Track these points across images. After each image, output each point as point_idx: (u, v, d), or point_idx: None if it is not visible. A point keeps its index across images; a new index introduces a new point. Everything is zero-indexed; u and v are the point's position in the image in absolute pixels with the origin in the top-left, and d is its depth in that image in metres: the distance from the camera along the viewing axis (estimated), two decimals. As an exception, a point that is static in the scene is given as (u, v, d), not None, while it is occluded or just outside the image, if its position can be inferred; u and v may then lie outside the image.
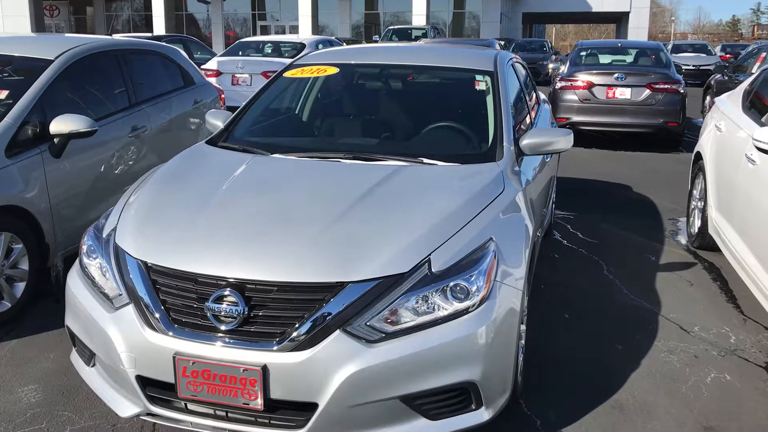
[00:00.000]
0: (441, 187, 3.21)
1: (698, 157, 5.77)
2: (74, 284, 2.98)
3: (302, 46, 11.90)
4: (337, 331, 2.50)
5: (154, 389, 2.70)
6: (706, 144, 5.54)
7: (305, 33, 31.54)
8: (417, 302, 2.58)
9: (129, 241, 2.85)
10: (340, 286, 2.55)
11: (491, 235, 2.87)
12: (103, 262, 2.89)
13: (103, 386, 2.88)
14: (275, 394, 2.51)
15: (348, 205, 2.95)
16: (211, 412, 2.65)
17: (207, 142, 3.91)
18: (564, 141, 3.73)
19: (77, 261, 3.11)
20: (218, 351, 2.54)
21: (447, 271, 2.66)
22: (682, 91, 10.08)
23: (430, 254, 2.68)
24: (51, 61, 4.64)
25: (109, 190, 4.90)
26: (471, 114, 3.97)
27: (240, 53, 12.08)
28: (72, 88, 4.73)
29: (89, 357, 2.94)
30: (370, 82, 4.32)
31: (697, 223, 5.64)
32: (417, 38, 24.87)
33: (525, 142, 3.70)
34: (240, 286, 2.58)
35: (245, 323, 2.55)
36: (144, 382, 2.69)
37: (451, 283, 2.63)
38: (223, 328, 2.56)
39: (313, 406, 2.53)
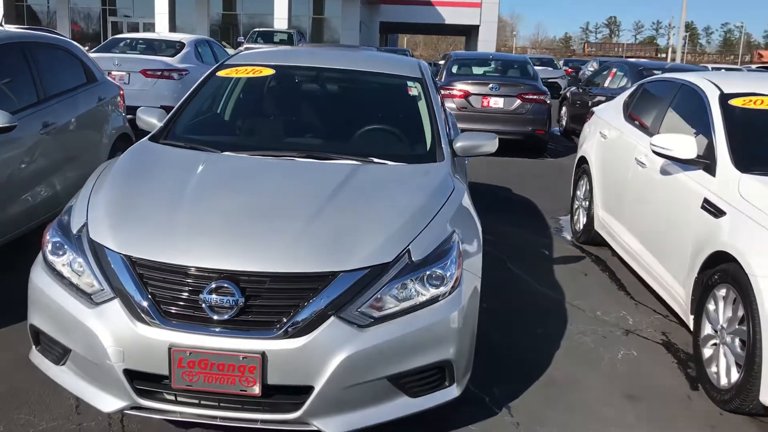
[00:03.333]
0: (401, 184, 3.44)
1: (582, 161, 6.38)
2: (41, 281, 2.92)
3: (181, 45, 11.66)
4: (332, 318, 2.67)
5: (142, 382, 2.72)
6: (590, 150, 6.15)
7: (162, 31, 30.51)
8: (399, 289, 2.80)
9: (107, 236, 2.85)
10: (332, 275, 2.72)
11: (454, 228, 3.14)
12: (77, 257, 2.86)
13: (79, 383, 2.85)
14: (272, 379, 2.63)
15: (322, 201, 3.11)
16: (203, 401, 2.71)
17: (150, 139, 3.90)
18: (490, 144, 4.09)
19: (39, 258, 3.04)
20: (215, 341, 2.62)
21: (424, 260, 2.89)
22: (548, 101, 10.95)
23: (408, 245, 2.91)
24: (-41, 52, 4.39)
25: (23, 188, 4.69)
26: (407, 117, 4.23)
27: (114, 50, 11.63)
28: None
29: (60, 355, 2.89)
30: (307, 85, 4.47)
31: (582, 220, 6.24)
32: (282, 41, 24.92)
33: (458, 144, 4.01)
34: (233, 278, 2.67)
35: (241, 313, 2.65)
36: (131, 375, 2.71)
37: (428, 271, 2.87)
38: (218, 318, 2.64)
39: (307, 389, 2.67)
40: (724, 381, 3.51)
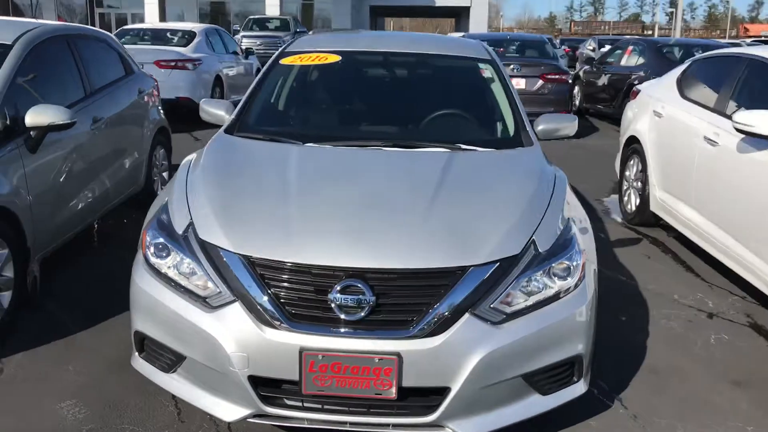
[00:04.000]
0: (502, 171, 3.31)
1: (632, 141, 6.25)
2: (147, 286, 2.76)
3: (192, 34, 11.40)
4: (467, 315, 2.53)
5: (266, 389, 2.59)
6: (642, 129, 6.02)
7: (153, 21, 30.08)
8: (528, 283, 2.67)
9: (220, 236, 2.69)
10: (463, 270, 2.58)
11: (569, 216, 3.01)
12: (185, 259, 2.71)
13: (194, 392, 2.71)
14: (408, 381, 2.50)
15: (432, 192, 2.97)
16: (329, 406, 2.58)
17: (226, 132, 3.73)
18: (571, 127, 3.95)
19: (140, 260, 2.88)
20: (349, 342, 2.49)
21: (550, 251, 2.76)
22: (569, 81, 10.80)
23: (532, 235, 2.77)
24: (11, 46, 4.19)
25: (79, 186, 4.52)
26: (484, 101, 4.09)
27: (122, 42, 11.35)
28: (37, 75, 4.30)
29: (172, 363, 2.75)
30: (376, 70, 4.31)
31: (635, 201, 6.13)
32: (277, 28, 24.64)
33: (540, 127, 3.87)
34: (361, 276, 2.53)
35: (372, 312, 2.51)
36: (255, 382, 2.57)
37: (555, 263, 2.74)
38: (349, 318, 2.50)
39: (442, 391, 2.54)
40: (835, 364, 3.41)
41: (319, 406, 2.60)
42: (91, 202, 4.72)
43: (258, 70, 13.98)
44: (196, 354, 2.63)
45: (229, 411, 2.63)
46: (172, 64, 10.40)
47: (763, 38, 40.42)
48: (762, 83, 4.67)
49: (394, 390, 2.49)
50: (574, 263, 2.78)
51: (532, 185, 3.14)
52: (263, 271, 2.58)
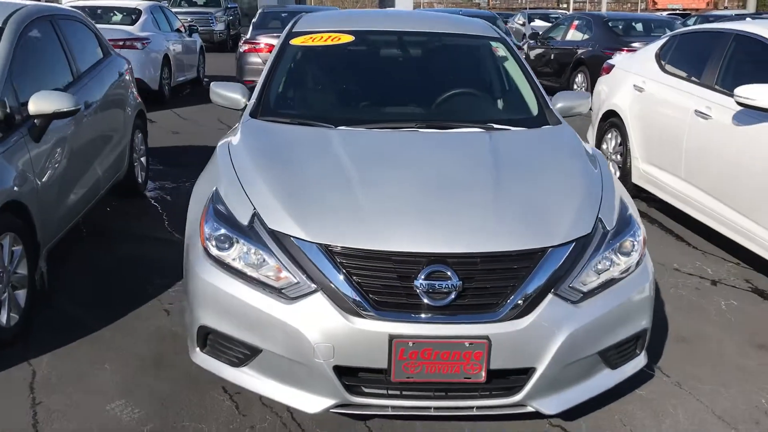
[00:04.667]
0: (549, 150, 3.34)
1: (610, 114, 6.40)
2: (213, 279, 2.66)
3: (138, 12, 10.92)
4: (550, 295, 2.56)
5: (350, 378, 2.55)
6: (622, 103, 6.16)
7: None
8: (600, 261, 2.71)
9: (292, 226, 2.62)
10: (542, 251, 2.60)
11: (620, 194, 3.07)
12: (252, 249, 2.63)
13: (270, 385, 2.65)
14: (495, 364, 2.51)
15: (491, 173, 2.98)
16: (415, 392, 2.57)
17: (251, 116, 3.62)
18: (586, 104, 4.01)
19: (199, 253, 2.76)
20: (438, 328, 2.48)
21: (615, 229, 2.81)
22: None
23: (598, 214, 2.82)
24: (1, 28, 3.92)
25: (76, 175, 4.31)
26: (503, 79, 4.10)
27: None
28: (29, 59, 4.05)
29: (244, 357, 2.67)
30: (390, 50, 4.24)
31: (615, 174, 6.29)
32: (206, 3, 23.91)
33: (559, 105, 3.91)
34: (443, 261, 2.52)
35: (458, 297, 2.50)
36: (340, 372, 2.53)
37: (622, 240, 2.79)
38: (436, 304, 2.49)
39: (526, 371, 2.57)
40: None
41: (399, 392, 2.59)
42: (86, 191, 4.51)
43: (202, 48, 13.60)
44: (274, 346, 2.57)
45: (311, 402, 2.58)
46: (120, 43, 9.92)
47: (670, 11, 41.96)
48: (749, 58, 4.85)
49: (483, 373, 2.50)
50: (638, 240, 2.84)
51: (581, 164, 3.18)
52: (342, 259, 2.53)
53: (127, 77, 5.74)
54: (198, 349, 2.82)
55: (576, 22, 12.60)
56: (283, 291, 2.56)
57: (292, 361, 2.55)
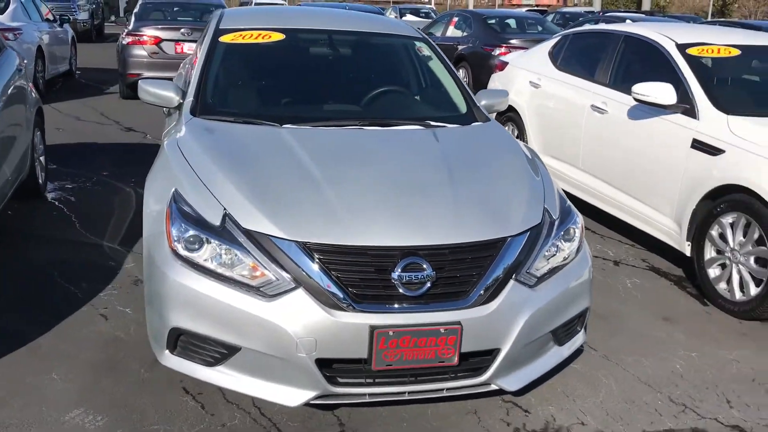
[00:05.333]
0: (489, 146, 3.56)
1: (507, 110, 6.76)
2: (186, 280, 2.67)
3: (6, 0, 10.21)
4: (512, 281, 2.77)
5: (330, 370, 2.65)
6: (519, 98, 6.54)
7: None
8: (548, 248, 2.96)
9: (267, 225, 2.67)
10: (503, 241, 2.81)
11: (556, 186, 3.34)
12: (230, 250, 2.66)
13: (248, 382, 2.70)
14: (466, 347, 2.70)
15: (444, 168, 3.15)
16: (392, 378, 2.71)
17: (191, 114, 3.59)
18: (505, 101, 4.30)
19: (167, 256, 2.74)
20: (415, 317, 2.62)
21: (560, 218, 3.07)
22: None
23: (544, 204, 3.06)
24: None
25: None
26: (432, 78, 4.28)
27: None
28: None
29: (221, 356, 2.70)
30: (320, 48, 4.30)
31: (513, 165, 6.68)
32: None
33: (484, 102, 4.16)
34: (415, 253, 2.67)
35: (432, 287, 2.66)
36: (321, 364, 2.62)
37: (566, 227, 3.06)
38: (412, 294, 2.63)
39: (492, 353, 2.77)
40: (739, 295, 4.12)
41: (373, 380, 2.71)
42: (-4, 194, 4.27)
43: (74, 39, 12.91)
44: (255, 344, 2.62)
45: (291, 396, 2.66)
46: (-10, 33, 9.29)
47: (526, 7, 44.22)
48: (638, 57, 5.33)
49: (456, 357, 2.68)
50: (578, 227, 3.12)
51: (521, 158, 3.42)
52: (321, 256, 2.62)
53: (23, 72, 5.43)
54: (167, 351, 2.81)
55: (455, 19, 13.08)
56: (261, 289, 2.62)
57: (272, 356, 2.61)
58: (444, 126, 3.73)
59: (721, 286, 4.25)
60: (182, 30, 10.22)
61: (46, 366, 3.23)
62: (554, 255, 2.98)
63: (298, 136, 3.37)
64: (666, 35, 5.12)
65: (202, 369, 2.75)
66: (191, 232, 2.72)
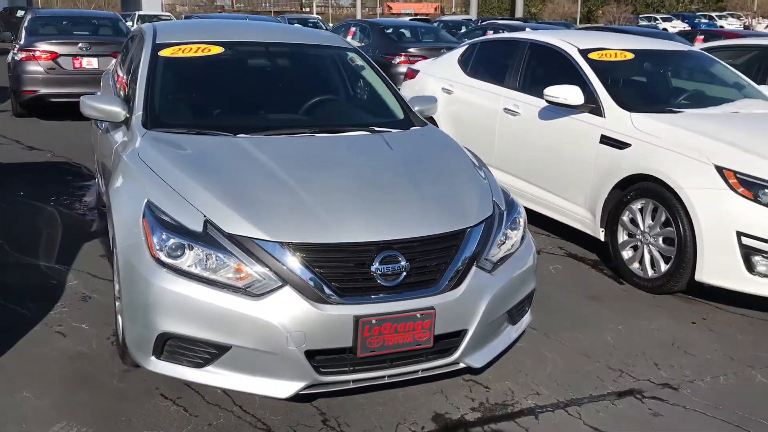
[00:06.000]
0: (434, 148, 3.84)
1: (421, 115, 7.12)
2: (171, 285, 2.78)
3: None
4: (474, 267, 3.06)
5: (318, 360, 2.83)
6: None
7: None
8: (500, 236, 3.27)
9: (251, 228, 2.83)
10: (464, 232, 3.09)
11: (496, 181, 3.67)
12: (214, 254, 2.80)
13: (239, 379, 2.84)
14: (439, 330, 2.96)
15: (402, 170, 3.42)
16: (374, 364, 2.92)
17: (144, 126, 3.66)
18: (435, 107, 4.61)
19: (149, 264, 2.84)
20: (395, 305, 2.86)
21: (506, 209, 3.40)
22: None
23: (493, 198, 3.38)
24: None
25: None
26: (368, 86, 4.53)
27: None
28: None
29: (211, 356, 2.83)
30: (259, 60, 4.44)
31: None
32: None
33: (417, 108, 4.44)
34: (390, 247, 2.90)
35: (407, 277, 2.90)
36: (309, 356, 2.80)
37: (513, 217, 3.39)
38: (390, 284, 2.87)
39: (460, 333, 3.04)
40: (651, 272, 4.60)
41: (353, 367, 2.91)
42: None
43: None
44: (245, 341, 2.76)
45: (282, 388, 2.82)
46: None
47: (405, 15, 45.46)
48: (544, 62, 5.80)
49: (431, 339, 2.93)
50: (522, 217, 3.45)
51: (465, 158, 3.73)
52: (304, 254, 2.81)
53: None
54: (153, 357, 2.89)
55: (353, 29, 13.42)
56: (248, 289, 2.77)
57: (263, 352, 2.77)
58: (388, 131, 3.98)
59: (635, 266, 4.73)
60: (80, 44, 10.00)
61: (15, 385, 3.22)
62: (504, 243, 3.29)
63: (256, 144, 3.52)
64: (569, 41, 5.61)
65: (190, 371, 2.86)
66: (173, 240, 2.83)
